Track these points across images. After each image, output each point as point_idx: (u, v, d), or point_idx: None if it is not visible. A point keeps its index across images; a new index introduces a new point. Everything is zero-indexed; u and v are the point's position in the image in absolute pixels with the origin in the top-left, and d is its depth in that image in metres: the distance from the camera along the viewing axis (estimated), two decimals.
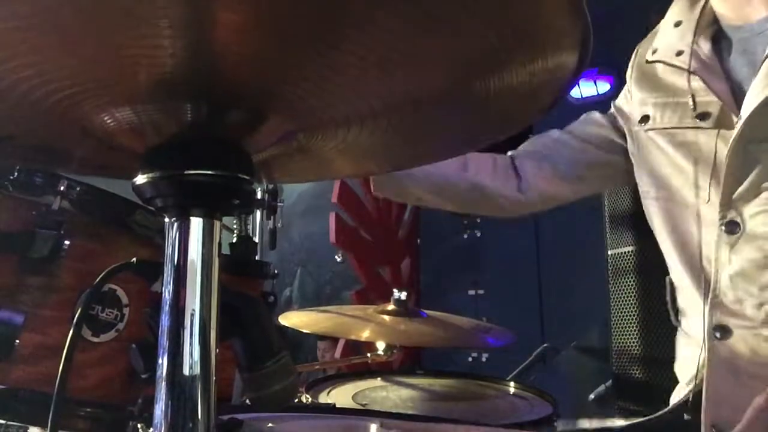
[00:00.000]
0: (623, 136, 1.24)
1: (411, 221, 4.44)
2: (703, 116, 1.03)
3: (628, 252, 2.16)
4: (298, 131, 0.54)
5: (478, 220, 4.00)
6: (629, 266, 2.15)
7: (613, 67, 3.52)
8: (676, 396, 1.11)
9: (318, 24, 0.40)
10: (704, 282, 1.01)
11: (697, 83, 1.04)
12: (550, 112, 0.55)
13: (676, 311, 1.16)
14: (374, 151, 0.63)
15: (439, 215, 4.23)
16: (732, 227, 0.98)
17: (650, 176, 1.15)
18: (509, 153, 1.34)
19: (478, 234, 3.99)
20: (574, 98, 3.57)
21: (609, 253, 2.25)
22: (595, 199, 2.37)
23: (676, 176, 1.07)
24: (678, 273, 1.11)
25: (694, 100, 1.04)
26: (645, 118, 1.15)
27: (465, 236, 4.02)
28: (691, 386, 1.05)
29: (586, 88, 3.56)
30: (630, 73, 1.24)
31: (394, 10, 0.39)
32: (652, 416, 1.12)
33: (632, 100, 1.20)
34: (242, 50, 0.42)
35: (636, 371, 2.05)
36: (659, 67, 1.14)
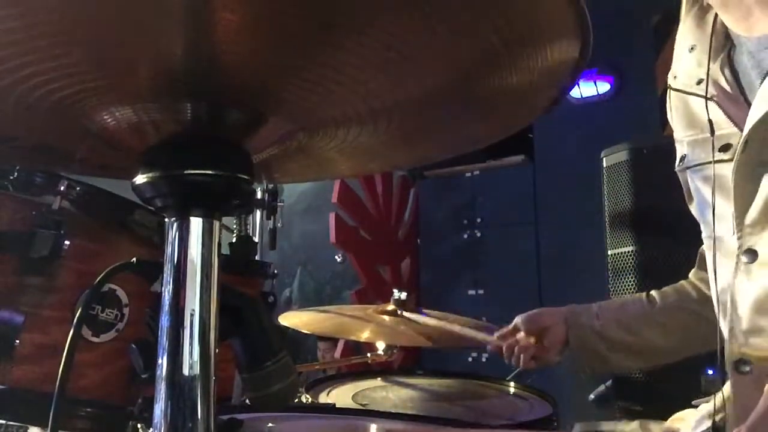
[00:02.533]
0: None
1: (411, 221, 4.44)
2: (725, 148, 1.00)
3: (628, 252, 2.16)
4: (298, 131, 0.54)
5: (479, 220, 4.01)
6: (629, 266, 2.15)
7: (613, 67, 3.53)
8: (700, 424, 1.08)
9: (318, 24, 0.40)
10: (726, 313, 0.98)
11: (716, 113, 1.01)
12: (550, 112, 0.55)
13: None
14: (374, 151, 0.63)
15: (439, 215, 4.24)
16: (751, 256, 0.95)
17: (696, 216, 1.12)
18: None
19: (478, 234, 3.99)
20: (574, 98, 3.57)
21: (609, 253, 2.25)
22: (596, 199, 2.37)
23: (709, 213, 1.03)
24: (715, 306, 1.07)
25: (712, 131, 1.00)
26: (682, 158, 1.12)
27: (465, 236, 4.03)
28: (711, 421, 1.02)
29: (586, 88, 3.56)
30: (669, 104, 1.18)
31: (394, 10, 0.39)
32: None
33: (675, 137, 1.16)
34: (242, 50, 0.42)
35: (636, 371, 2.05)
36: (684, 96, 1.10)
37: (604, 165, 2.29)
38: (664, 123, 1.24)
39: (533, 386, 1.50)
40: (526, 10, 0.41)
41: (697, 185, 1.09)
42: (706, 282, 1.20)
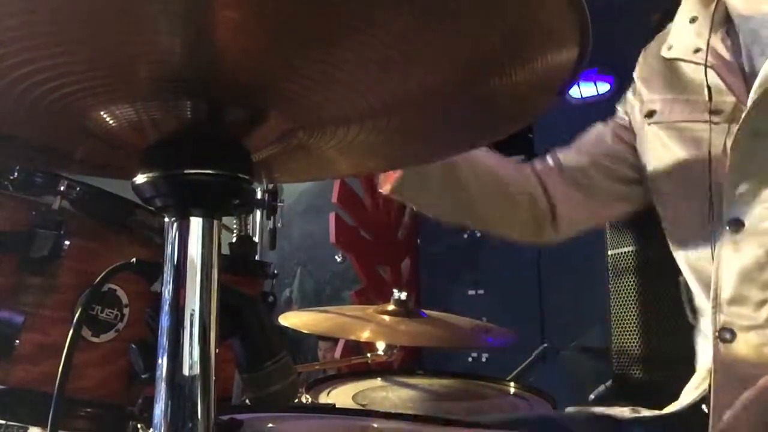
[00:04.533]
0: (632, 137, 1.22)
1: (411, 221, 4.44)
2: (717, 112, 1.02)
3: (628, 252, 2.16)
4: (298, 129, 0.54)
5: None
6: (629, 266, 2.15)
7: (613, 67, 3.52)
8: (688, 396, 1.09)
9: (318, 22, 0.40)
10: (710, 282, 0.99)
11: (714, 79, 1.03)
12: (549, 111, 0.55)
13: (693, 310, 1.13)
14: (374, 150, 0.63)
15: None
16: (736, 225, 0.96)
17: (656, 172, 1.13)
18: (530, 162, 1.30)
19: (478, 234, 3.99)
20: (574, 98, 3.57)
21: (609, 253, 2.25)
22: None
23: (683, 172, 1.06)
24: (686, 273, 1.10)
25: (710, 97, 1.02)
26: (651, 113, 1.14)
27: (465, 236, 4.03)
28: (701, 389, 1.04)
29: (585, 88, 3.55)
30: (638, 73, 1.22)
31: (395, 9, 0.39)
32: (659, 414, 1.11)
33: (639, 98, 1.19)
34: (242, 48, 0.42)
35: (636, 371, 2.05)
36: (675, 64, 1.13)
37: None
38: None
39: (533, 386, 1.50)
40: (526, 10, 0.41)
41: (664, 141, 1.10)
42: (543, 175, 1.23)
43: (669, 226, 1.13)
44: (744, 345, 0.94)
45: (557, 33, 0.44)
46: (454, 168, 1.13)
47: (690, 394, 1.08)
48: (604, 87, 3.54)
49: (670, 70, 1.14)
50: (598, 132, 1.26)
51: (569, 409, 1.20)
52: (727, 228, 0.97)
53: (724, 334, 0.96)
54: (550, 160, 1.26)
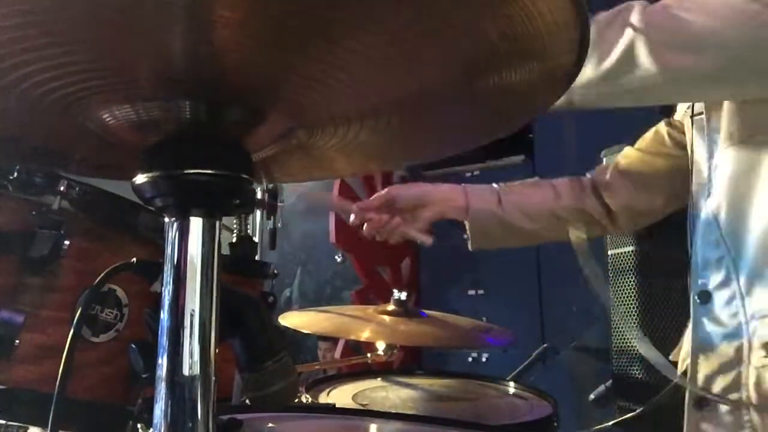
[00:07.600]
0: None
1: None
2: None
3: (628, 252, 2.16)
4: (298, 129, 0.54)
5: None
6: (629, 266, 2.15)
7: None
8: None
9: (318, 22, 0.40)
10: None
11: None
12: (549, 110, 0.55)
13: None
14: (375, 150, 0.63)
15: None
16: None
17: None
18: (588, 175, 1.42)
19: None
20: None
21: (609, 253, 2.25)
22: None
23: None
24: None
25: None
26: None
27: (465, 236, 4.02)
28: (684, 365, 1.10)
29: None
30: None
31: (394, 9, 0.39)
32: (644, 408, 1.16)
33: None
34: (242, 48, 0.42)
35: (636, 371, 2.05)
36: None
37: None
38: None
39: (533, 386, 1.50)
40: (526, 8, 0.41)
41: None
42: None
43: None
44: (717, 303, 1.03)
45: (557, 31, 0.44)
46: (511, 222, 1.33)
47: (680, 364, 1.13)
48: None
49: None
50: (656, 129, 1.38)
51: None
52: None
53: (702, 297, 1.05)
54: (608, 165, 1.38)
